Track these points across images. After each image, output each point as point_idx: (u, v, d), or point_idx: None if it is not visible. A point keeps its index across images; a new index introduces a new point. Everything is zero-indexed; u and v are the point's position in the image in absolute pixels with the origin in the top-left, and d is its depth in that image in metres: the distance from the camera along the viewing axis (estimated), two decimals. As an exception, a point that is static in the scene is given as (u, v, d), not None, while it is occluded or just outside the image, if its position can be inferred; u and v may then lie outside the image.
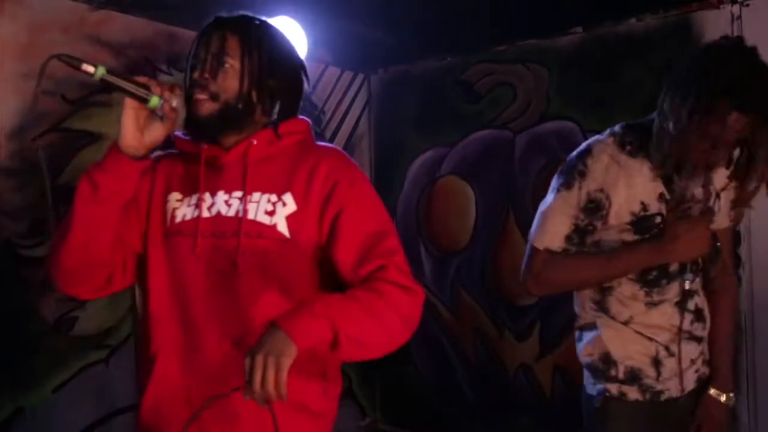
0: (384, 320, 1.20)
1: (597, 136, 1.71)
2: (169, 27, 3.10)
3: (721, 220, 1.74)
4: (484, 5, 3.15)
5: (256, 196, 1.28)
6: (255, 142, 1.30)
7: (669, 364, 1.68)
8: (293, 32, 3.07)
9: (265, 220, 1.26)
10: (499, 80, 3.59)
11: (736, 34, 2.82)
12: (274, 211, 1.27)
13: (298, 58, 1.42)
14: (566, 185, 1.65)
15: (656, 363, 1.67)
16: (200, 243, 1.26)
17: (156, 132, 1.22)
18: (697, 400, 1.74)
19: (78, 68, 1.14)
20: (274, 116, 1.35)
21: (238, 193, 1.28)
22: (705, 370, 1.76)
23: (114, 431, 2.76)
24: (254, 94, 1.30)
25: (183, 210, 1.30)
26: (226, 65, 1.29)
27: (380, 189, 4.49)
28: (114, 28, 2.87)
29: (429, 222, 3.90)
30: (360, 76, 4.14)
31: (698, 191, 1.62)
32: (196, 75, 1.29)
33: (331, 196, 1.30)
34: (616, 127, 1.68)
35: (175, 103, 1.21)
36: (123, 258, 1.33)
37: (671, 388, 1.69)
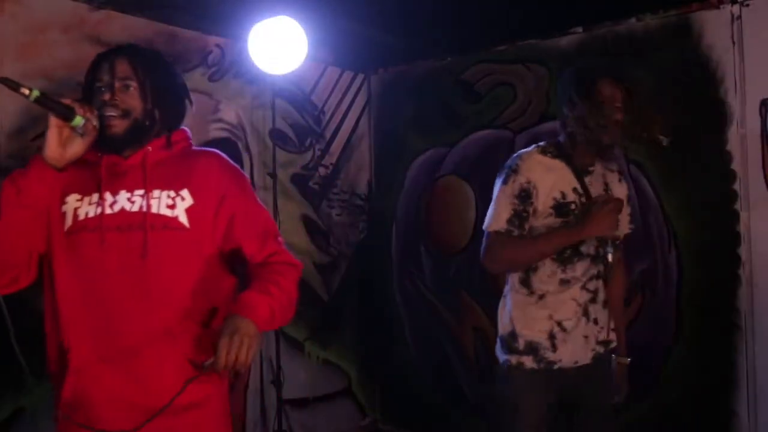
0: (290, 294, 1.50)
1: (524, 149, 2.11)
2: (169, 27, 3.10)
3: (622, 227, 2.14)
4: (484, 5, 3.15)
5: (156, 193, 1.47)
6: (150, 149, 1.50)
7: (562, 338, 2.02)
8: (293, 32, 3.07)
9: (168, 212, 1.46)
10: (499, 80, 3.59)
11: (736, 34, 2.83)
12: (174, 204, 1.46)
13: (181, 77, 1.62)
14: (504, 182, 2.04)
15: (552, 338, 2.03)
16: (107, 236, 1.42)
17: (77, 147, 1.41)
18: (608, 371, 2.12)
19: (16, 90, 1.32)
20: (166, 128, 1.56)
21: (140, 191, 1.46)
22: (600, 349, 2.08)
23: (114, 431, 2.76)
24: (156, 112, 1.50)
25: (84, 208, 1.45)
26: (131, 87, 1.47)
27: (380, 189, 4.53)
28: (114, 28, 2.87)
29: (429, 222, 3.89)
30: (360, 76, 4.14)
31: (599, 190, 2.07)
32: (106, 97, 1.46)
33: (225, 197, 1.52)
34: (540, 143, 2.11)
35: (95, 122, 1.41)
36: (29, 258, 1.46)
37: (563, 360, 2.03)
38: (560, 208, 2.01)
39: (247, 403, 3.40)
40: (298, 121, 3.77)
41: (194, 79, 3.21)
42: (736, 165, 2.82)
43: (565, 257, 2.02)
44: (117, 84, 1.46)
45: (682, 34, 2.97)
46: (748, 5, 2.81)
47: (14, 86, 1.32)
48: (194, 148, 1.62)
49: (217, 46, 3.34)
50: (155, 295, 1.42)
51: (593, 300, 2.07)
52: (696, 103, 2.93)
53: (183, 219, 1.46)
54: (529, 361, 2.03)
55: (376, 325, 4.08)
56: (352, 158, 4.09)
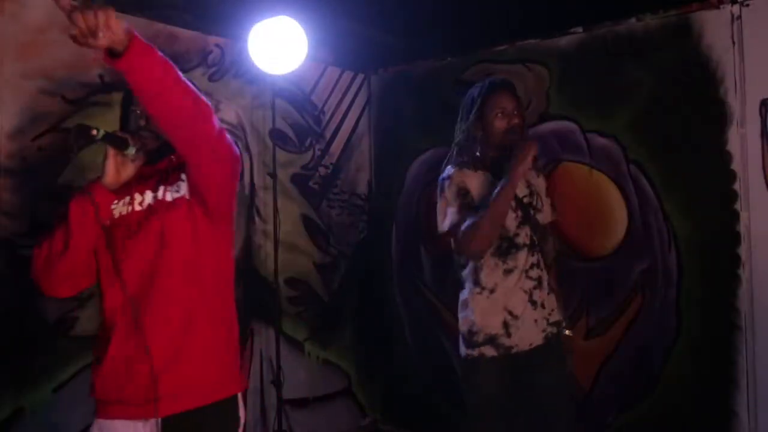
0: (196, 95, 1.65)
1: (447, 169, 2.35)
2: (169, 27, 3.10)
3: (546, 216, 2.42)
4: (484, 5, 3.15)
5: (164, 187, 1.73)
6: (173, 158, 1.76)
7: (515, 325, 2.25)
8: (293, 32, 3.07)
9: (176, 195, 1.70)
10: (499, 80, 3.59)
11: (736, 34, 2.83)
12: (179, 189, 1.71)
13: None
14: (441, 191, 2.30)
15: (506, 326, 2.25)
16: (133, 229, 1.67)
17: (129, 171, 1.66)
18: (560, 347, 2.33)
19: (87, 133, 1.58)
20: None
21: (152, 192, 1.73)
22: (551, 330, 2.30)
23: (114, 431, 2.76)
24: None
25: (119, 209, 1.69)
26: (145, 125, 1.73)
27: (380, 189, 4.53)
28: (114, 28, 2.87)
29: (429, 222, 3.89)
30: (360, 76, 4.14)
31: (523, 189, 2.34)
32: (142, 123, 1.71)
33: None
34: (458, 160, 2.36)
35: (139, 150, 1.64)
36: (89, 267, 1.71)
37: (519, 344, 2.25)
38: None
39: (247, 403, 3.39)
40: (298, 121, 3.77)
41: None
42: (736, 165, 2.82)
43: (503, 249, 2.27)
44: (144, 113, 1.70)
45: (682, 34, 2.97)
46: (748, 5, 2.81)
47: (86, 131, 1.59)
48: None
49: (217, 46, 3.34)
50: (177, 267, 1.65)
51: (537, 287, 2.29)
52: (696, 103, 2.93)
53: (185, 193, 1.71)
54: (489, 351, 2.27)
55: (376, 325, 4.08)
56: (352, 158, 4.09)
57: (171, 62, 1.55)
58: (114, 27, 1.33)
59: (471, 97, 2.40)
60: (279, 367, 3.33)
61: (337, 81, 4.01)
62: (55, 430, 2.58)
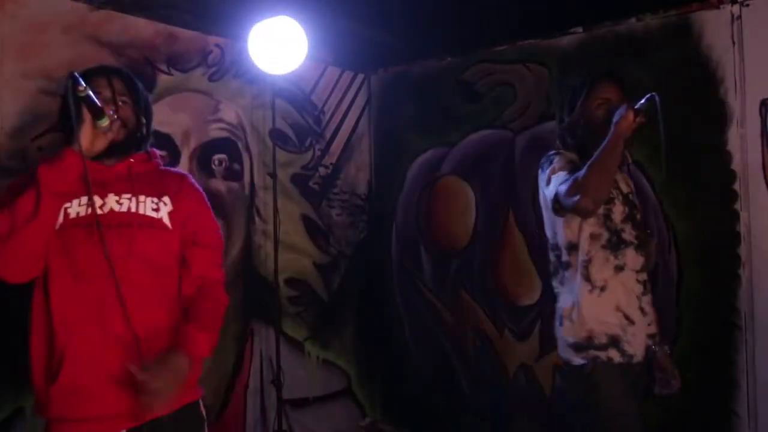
0: (217, 324, 1.73)
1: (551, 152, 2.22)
2: (169, 27, 3.10)
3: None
4: (484, 5, 3.15)
5: (141, 198, 1.68)
6: (133, 161, 1.72)
7: (631, 331, 2.06)
8: (293, 32, 3.07)
9: (153, 214, 1.68)
10: (499, 80, 3.59)
11: (736, 34, 2.83)
12: (158, 208, 1.69)
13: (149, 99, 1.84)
14: (550, 162, 2.14)
15: (624, 330, 2.05)
16: (98, 232, 1.58)
17: (101, 143, 1.58)
18: (658, 362, 2.15)
19: (76, 85, 1.50)
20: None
21: (128, 195, 1.67)
22: (648, 342, 2.11)
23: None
24: (144, 126, 1.74)
25: (75, 209, 1.61)
26: (127, 103, 1.70)
27: (380, 189, 4.53)
28: (114, 28, 2.87)
29: (429, 222, 3.90)
30: (360, 76, 4.14)
31: (626, 185, 2.22)
32: (110, 111, 1.61)
33: (191, 214, 1.76)
34: (559, 149, 2.23)
35: (115, 123, 1.60)
36: (45, 251, 1.60)
37: (637, 353, 2.07)
38: None
39: (247, 403, 3.40)
40: (298, 121, 3.77)
41: (194, 79, 3.21)
42: (736, 165, 2.82)
43: (613, 243, 2.09)
44: (117, 99, 1.67)
45: (682, 34, 2.97)
46: (748, 5, 2.81)
47: (75, 81, 1.50)
48: (164, 168, 1.83)
49: (217, 46, 3.34)
50: (142, 287, 1.61)
51: (645, 293, 2.13)
52: (696, 103, 2.93)
53: (166, 221, 1.69)
54: (616, 356, 2.04)
55: (376, 325, 4.08)
56: (352, 158, 4.09)
57: (213, 329, 1.71)
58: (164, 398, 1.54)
59: (574, 86, 2.29)
60: (279, 367, 3.33)
61: (337, 81, 4.01)
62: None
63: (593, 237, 2.10)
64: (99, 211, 1.60)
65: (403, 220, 4.01)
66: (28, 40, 2.59)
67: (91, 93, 1.52)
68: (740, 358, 2.79)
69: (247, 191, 3.46)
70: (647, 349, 2.09)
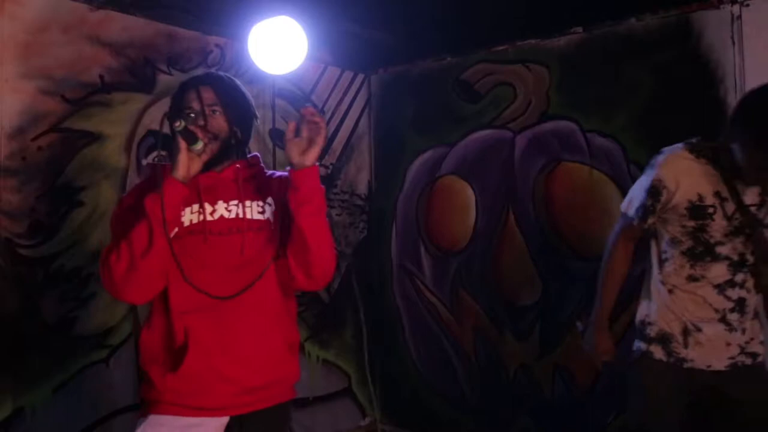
0: (328, 235, 1.74)
1: (674, 146, 2.10)
2: (169, 27, 3.10)
3: None
4: (484, 5, 3.15)
5: (248, 203, 1.74)
6: (239, 166, 1.77)
7: (697, 339, 2.03)
8: (293, 32, 3.07)
9: (260, 217, 1.75)
10: (499, 80, 3.60)
11: (736, 34, 2.83)
12: (264, 210, 1.76)
13: (249, 96, 1.86)
14: (644, 173, 2.12)
15: (685, 333, 2.04)
16: (210, 238, 1.68)
17: (197, 165, 1.64)
18: (753, 363, 2.06)
19: (173, 122, 1.59)
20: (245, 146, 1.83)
21: (235, 201, 1.73)
22: (746, 360, 2.04)
23: (114, 431, 2.76)
24: (238, 130, 1.75)
25: (188, 216, 1.69)
26: (217, 112, 1.72)
27: (380, 189, 4.52)
28: (114, 28, 2.87)
29: (429, 222, 3.90)
30: (360, 76, 4.14)
31: (753, 196, 2.01)
32: (199, 123, 1.67)
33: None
34: (692, 140, 2.08)
35: (209, 145, 1.65)
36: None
37: (696, 360, 2.03)
38: (695, 210, 2.02)
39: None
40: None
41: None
42: (736, 165, 2.82)
43: (696, 253, 2.04)
44: (207, 110, 1.69)
45: (682, 34, 2.97)
46: (748, 5, 2.81)
47: (172, 119, 1.58)
48: (269, 171, 1.87)
49: (217, 46, 3.34)
50: (255, 287, 1.67)
51: (735, 310, 2.03)
52: (696, 103, 2.93)
53: (272, 220, 1.75)
54: (658, 352, 2.08)
55: (375, 325, 4.08)
56: (352, 158, 4.09)
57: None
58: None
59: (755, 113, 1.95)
60: (279, 367, 3.33)
61: (337, 81, 4.01)
62: (55, 430, 2.58)
63: (674, 241, 2.08)
64: (210, 218, 1.69)
65: (403, 220, 4.01)
66: (28, 40, 2.59)
67: (185, 124, 1.59)
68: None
69: (247, 191, 3.46)
70: (734, 363, 2.03)
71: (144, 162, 2.94)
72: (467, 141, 3.72)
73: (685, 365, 2.04)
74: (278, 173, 1.89)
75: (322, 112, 3.92)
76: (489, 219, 3.64)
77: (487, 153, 3.64)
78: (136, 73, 2.94)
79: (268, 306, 1.72)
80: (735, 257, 2.02)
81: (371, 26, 3.51)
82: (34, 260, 2.58)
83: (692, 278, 2.05)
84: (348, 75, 4.07)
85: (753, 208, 2.01)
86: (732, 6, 2.84)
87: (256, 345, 1.69)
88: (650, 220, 2.11)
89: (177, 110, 1.69)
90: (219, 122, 1.71)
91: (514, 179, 3.51)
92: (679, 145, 2.08)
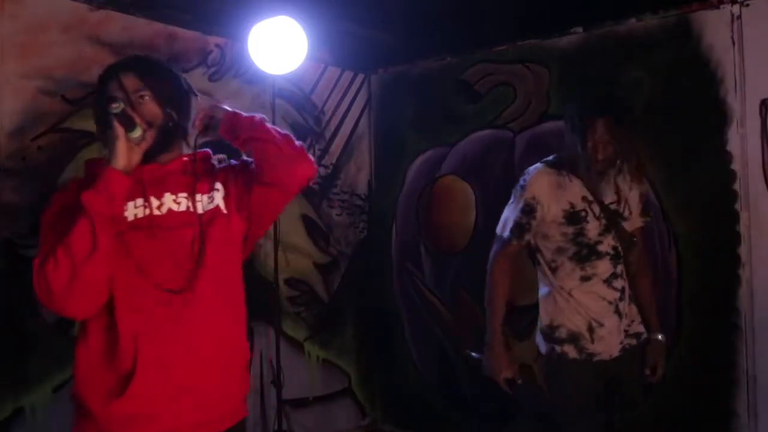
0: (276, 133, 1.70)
1: (533, 166, 2.34)
2: (169, 27, 3.10)
3: (634, 222, 2.34)
4: (484, 5, 3.15)
5: (198, 196, 1.59)
6: (186, 160, 1.62)
7: (600, 333, 2.22)
8: (293, 32, 3.07)
9: (210, 206, 1.59)
10: (499, 80, 3.59)
11: (736, 34, 2.83)
12: (213, 198, 1.60)
13: (179, 72, 1.71)
14: (513, 196, 2.34)
15: (590, 331, 2.22)
16: (158, 233, 1.51)
17: (137, 155, 1.49)
18: (645, 348, 2.33)
19: (110, 103, 1.45)
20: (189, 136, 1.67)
21: (184, 194, 1.58)
22: (629, 341, 2.27)
23: (114, 431, 2.76)
24: (173, 112, 1.57)
25: (132, 211, 1.53)
26: (146, 97, 1.54)
27: (380, 189, 4.52)
28: (114, 28, 2.87)
29: (429, 222, 3.89)
30: (360, 76, 4.14)
31: (611, 195, 2.26)
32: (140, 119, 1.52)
33: (231, 175, 1.67)
34: (548, 158, 2.33)
35: (144, 134, 1.50)
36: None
37: (602, 352, 2.22)
38: (570, 217, 2.23)
39: (247, 403, 3.39)
40: (298, 121, 3.77)
41: (194, 79, 3.19)
42: (736, 165, 2.82)
43: (582, 256, 2.23)
44: (133, 98, 1.52)
45: (682, 34, 2.97)
46: (748, 5, 2.80)
47: (110, 100, 1.45)
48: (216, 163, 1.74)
49: (217, 46, 3.34)
50: (207, 285, 1.52)
51: (622, 298, 2.26)
52: (696, 103, 2.93)
53: (222, 206, 1.60)
54: (571, 351, 2.23)
55: (376, 325, 4.08)
56: (352, 158, 4.09)
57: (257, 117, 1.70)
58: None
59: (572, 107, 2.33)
60: (279, 367, 3.33)
61: (337, 81, 4.01)
62: (55, 430, 2.58)
63: (560, 250, 2.27)
64: (157, 212, 1.53)
65: (403, 220, 4.01)
66: (28, 40, 2.59)
67: (122, 107, 1.45)
68: (740, 358, 2.79)
69: (247, 191, 3.46)
70: (624, 347, 2.26)
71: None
72: (467, 141, 3.71)
73: (594, 359, 2.22)
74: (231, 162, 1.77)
75: (322, 112, 3.92)
76: (489, 219, 3.63)
77: (487, 153, 3.64)
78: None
79: (223, 305, 1.57)
80: (612, 251, 2.25)
81: (371, 26, 3.51)
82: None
83: (585, 278, 2.24)
84: (348, 75, 4.07)
85: (613, 206, 2.26)
86: (732, 6, 2.84)
87: (215, 346, 1.53)
88: (527, 237, 2.28)
89: (103, 103, 1.52)
90: (150, 108, 1.53)
91: (514, 179, 3.48)
92: (538, 164, 2.32)
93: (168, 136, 1.56)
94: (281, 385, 3.32)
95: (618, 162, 2.23)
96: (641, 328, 2.33)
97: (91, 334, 1.48)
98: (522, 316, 3.46)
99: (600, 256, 2.23)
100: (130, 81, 1.54)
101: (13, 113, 2.54)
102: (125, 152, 1.45)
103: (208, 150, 1.73)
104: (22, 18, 2.58)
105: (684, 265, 2.96)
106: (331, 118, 3.96)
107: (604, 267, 2.24)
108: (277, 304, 3.41)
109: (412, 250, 3.97)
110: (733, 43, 2.83)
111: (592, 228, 2.22)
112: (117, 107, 1.44)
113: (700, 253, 2.92)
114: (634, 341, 2.29)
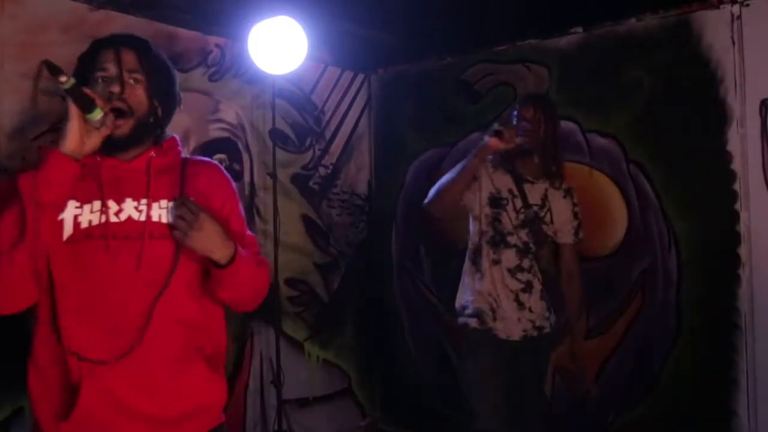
0: (259, 276, 1.50)
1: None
2: (169, 27, 3.10)
3: (563, 235, 2.65)
4: (484, 5, 3.15)
5: (163, 203, 1.41)
6: (154, 155, 1.45)
7: (498, 312, 2.54)
8: (293, 32, 3.07)
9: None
10: (499, 80, 3.59)
11: (736, 34, 2.83)
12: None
13: (177, 76, 1.55)
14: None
15: (492, 309, 2.54)
16: (113, 245, 1.35)
17: (94, 140, 1.32)
18: (540, 334, 2.59)
19: (56, 75, 1.24)
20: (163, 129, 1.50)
21: (146, 201, 1.40)
22: (533, 332, 2.55)
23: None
24: (159, 110, 1.44)
25: (87, 216, 1.37)
26: (139, 81, 1.40)
27: (380, 189, 4.52)
28: (114, 28, 2.86)
29: (429, 222, 3.89)
30: (360, 76, 4.14)
31: (537, 199, 2.61)
32: (114, 89, 1.36)
33: (224, 204, 1.51)
34: (489, 156, 2.61)
35: (111, 115, 1.33)
36: (40, 274, 1.35)
37: (500, 331, 2.53)
38: (493, 200, 2.59)
39: (247, 403, 3.40)
40: (298, 121, 3.77)
41: (194, 79, 3.21)
42: (736, 165, 2.82)
43: (495, 241, 2.57)
44: (126, 77, 1.37)
45: (682, 34, 2.97)
46: (748, 5, 2.81)
47: (55, 71, 1.24)
48: (187, 156, 1.57)
49: (217, 46, 3.34)
50: (159, 306, 1.36)
51: (526, 291, 2.55)
52: (696, 103, 2.93)
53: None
54: (474, 323, 2.56)
55: (376, 325, 4.08)
56: (352, 158, 4.09)
57: (252, 270, 1.49)
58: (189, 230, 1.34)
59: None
60: (279, 367, 3.33)
61: (337, 81, 4.01)
62: None
63: (482, 232, 2.59)
64: (114, 219, 1.36)
65: (403, 220, 4.01)
66: (28, 40, 2.59)
67: (74, 82, 1.26)
68: (740, 358, 2.79)
69: (247, 191, 3.46)
70: (526, 336, 2.53)
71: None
72: (467, 141, 3.71)
73: (494, 334, 2.53)
74: (198, 158, 1.59)
75: (322, 112, 3.92)
76: (489, 219, 3.63)
77: (487, 153, 3.63)
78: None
79: (179, 317, 1.40)
80: (521, 245, 2.55)
81: (371, 26, 3.51)
82: (34, 260, 2.57)
83: (494, 262, 2.56)
84: (348, 75, 4.07)
85: (536, 207, 2.57)
86: (732, 6, 2.84)
87: (167, 367, 1.37)
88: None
89: (87, 70, 1.37)
90: (138, 94, 1.39)
91: (514, 179, 3.50)
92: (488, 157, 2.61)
93: (144, 130, 1.42)
94: (281, 385, 3.32)
95: (547, 163, 2.59)
96: (546, 324, 2.59)
97: (38, 347, 1.42)
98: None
99: (508, 246, 2.55)
100: (129, 57, 1.39)
101: (13, 113, 2.54)
102: (77, 134, 1.29)
103: (175, 136, 1.55)
104: (22, 18, 2.58)
105: (684, 265, 2.96)
106: (331, 118, 3.96)
107: (509, 257, 2.55)
108: (277, 304, 3.41)
109: (412, 250, 3.97)
110: (733, 43, 2.83)
111: (507, 219, 2.55)
112: (65, 82, 1.24)
113: (700, 253, 2.92)
114: (535, 333, 2.56)
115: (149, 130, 1.44)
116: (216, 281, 1.42)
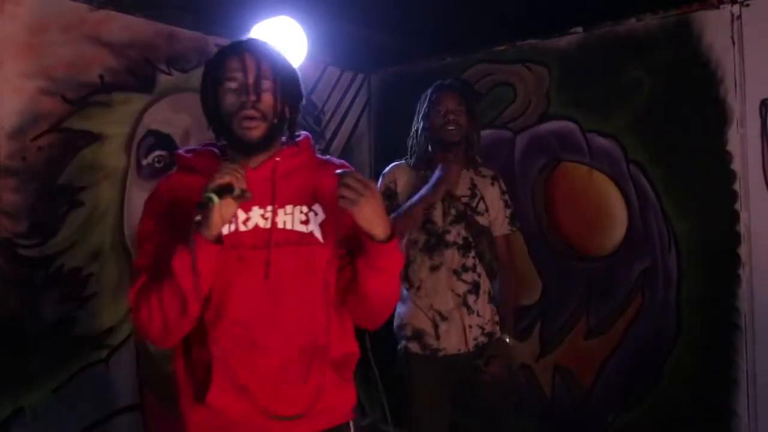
0: (396, 285, 1.52)
1: (395, 162, 2.66)
2: (169, 27, 3.10)
3: (498, 227, 2.54)
4: (484, 5, 3.15)
5: (288, 208, 1.44)
6: (279, 160, 1.47)
7: (445, 327, 2.36)
8: (293, 32, 3.07)
9: (302, 228, 1.44)
10: (499, 80, 3.59)
11: (736, 34, 2.83)
12: (308, 220, 1.45)
13: (297, 73, 1.57)
14: (382, 177, 2.61)
15: (435, 327, 2.37)
16: (244, 254, 1.40)
17: (232, 210, 1.34)
18: (489, 341, 2.45)
19: (207, 203, 1.28)
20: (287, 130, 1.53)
21: (271, 208, 1.43)
22: (483, 339, 2.41)
23: (114, 431, 2.76)
24: (287, 110, 1.48)
25: (255, 220, 1.43)
26: (267, 87, 1.43)
27: (380, 189, 4.48)
28: (114, 28, 2.87)
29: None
30: (360, 76, 4.14)
31: (464, 189, 2.50)
32: (250, 98, 1.41)
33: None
34: (404, 159, 2.65)
35: (244, 185, 1.33)
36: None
37: (447, 348, 2.37)
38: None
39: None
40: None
41: (194, 79, 3.20)
42: (736, 165, 2.82)
43: (431, 245, 2.42)
44: (253, 83, 1.42)
45: (682, 34, 2.97)
46: (748, 5, 2.81)
47: (207, 201, 1.29)
48: (320, 156, 1.61)
49: (217, 46, 3.30)
50: (288, 313, 1.42)
51: (472, 292, 2.41)
52: (696, 103, 2.93)
53: (317, 234, 1.45)
54: (414, 347, 2.40)
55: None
56: (352, 158, 4.08)
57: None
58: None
59: (422, 97, 2.62)
60: (279, 367, 3.32)
61: (337, 81, 4.01)
62: (55, 430, 2.58)
63: (411, 242, 2.44)
64: (243, 228, 1.41)
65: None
66: (28, 40, 2.59)
67: (219, 193, 1.28)
68: (740, 358, 2.79)
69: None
70: (477, 344, 2.40)
71: (144, 162, 2.94)
72: (467, 141, 3.71)
73: (439, 354, 2.37)
74: (335, 160, 1.62)
75: (322, 112, 3.91)
76: (489, 219, 3.63)
77: (487, 153, 3.63)
78: (137, 73, 2.94)
79: (308, 325, 1.45)
80: (460, 241, 2.42)
81: (371, 26, 3.51)
82: (34, 260, 2.58)
83: (433, 267, 2.40)
84: (348, 75, 4.07)
85: (465, 198, 2.47)
86: (732, 6, 2.84)
87: (294, 371, 1.44)
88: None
89: (215, 81, 1.43)
90: (267, 100, 1.42)
91: (514, 179, 3.50)
92: (400, 161, 2.62)
93: (275, 132, 1.46)
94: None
95: (472, 153, 2.52)
96: (497, 329, 2.47)
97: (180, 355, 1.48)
98: (522, 316, 3.47)
99: (448, 245, 2.41)
100: (255, 65, 1.42)
101: (13, 113, 2.54)
102: (219, 221, 1.31)
103: (308, 134, 1.59)
104: (22, 18, 2.58)
105: (684, 265, 2.96)
106: (331, 118, 3.95)
107: (451, 256, 2.40)
108: (277, 304, 3.41)
109: (412, 250, 3.96)
110: (733, 43, 2.83)
111: (439, 216, 2.42)
112: (216, 200, 1.28)
113: (700, 253, 2.92)
114: (485, 339, 2.43)
115: (277, 132, 1.48)
116: (372, 261, 1.38)
